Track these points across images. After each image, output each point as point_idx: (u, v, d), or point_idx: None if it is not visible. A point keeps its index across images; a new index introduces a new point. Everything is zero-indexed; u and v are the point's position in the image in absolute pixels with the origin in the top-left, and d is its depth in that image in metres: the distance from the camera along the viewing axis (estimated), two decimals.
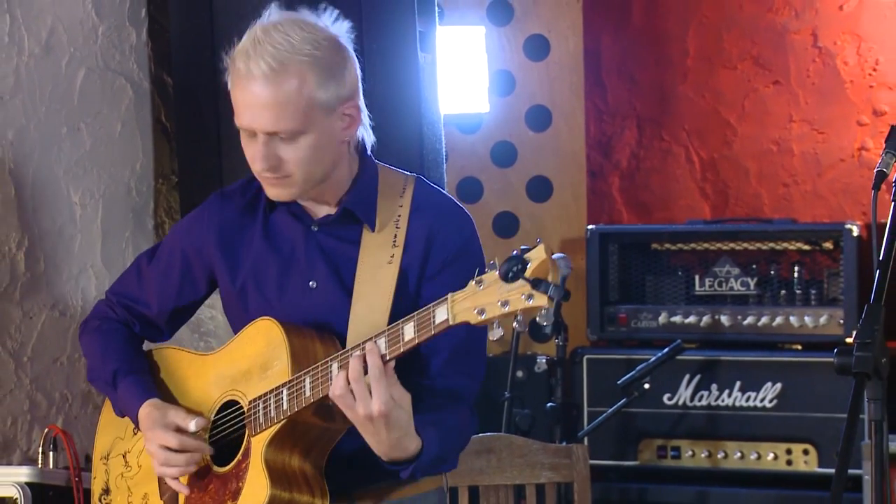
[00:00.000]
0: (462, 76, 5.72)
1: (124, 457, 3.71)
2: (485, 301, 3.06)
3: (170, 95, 5.48)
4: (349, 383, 3.20)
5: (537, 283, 2.99)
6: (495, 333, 3.08)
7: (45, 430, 4.47)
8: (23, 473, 4.27)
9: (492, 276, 3.05)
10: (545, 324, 3.14)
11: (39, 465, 4.36)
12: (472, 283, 3.08)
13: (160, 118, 5.53)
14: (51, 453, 4.39)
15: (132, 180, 5.48)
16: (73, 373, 5.19)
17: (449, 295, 3.11)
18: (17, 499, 4.22)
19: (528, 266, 3.00)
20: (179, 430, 3.47)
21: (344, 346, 3.38)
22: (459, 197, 5.88)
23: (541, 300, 2.99)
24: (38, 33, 5.17)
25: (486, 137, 5.99)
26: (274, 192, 3.43)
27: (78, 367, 5.17)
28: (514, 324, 3.06)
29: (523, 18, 5.91)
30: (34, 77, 5.16)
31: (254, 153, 3.37)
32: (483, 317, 3.07)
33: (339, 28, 3.41)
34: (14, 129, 5.10)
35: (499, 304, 3.04)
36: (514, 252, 3.02)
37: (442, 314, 3.12)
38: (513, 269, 3.00)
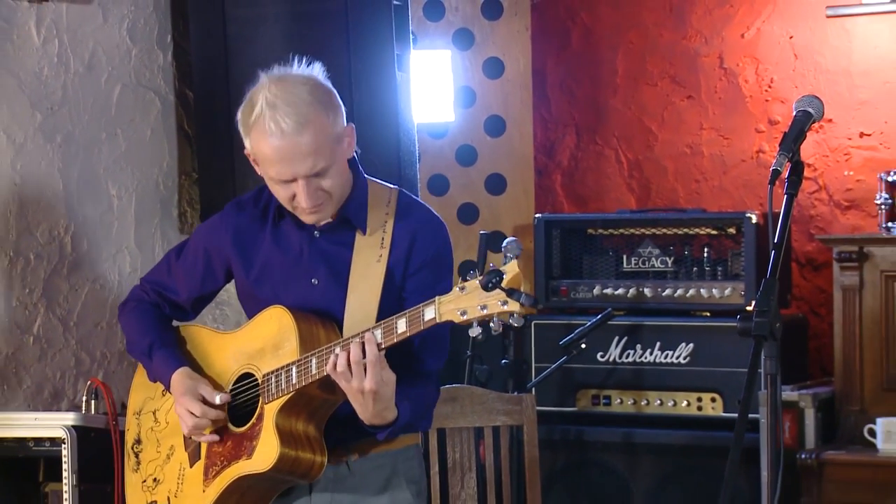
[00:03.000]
0: (431, 91, 5.70)
1: (154, 414, 3.70)
2: (466, 304, 3.14)
3: (191, 106, 5.46)
4: (349, 364, 3.24)
5: (511, 292, 3.07)
6: (474, 331, 3.16)
7: (88, 383, 4.45)
8: (69, 418, 4.25)
9: (473, 283, 3.12)
10: (517, 325, 3.15)
11: (83, 412, 4.34)
12: (457, 288, 3.15)
13: (183, 125, 5.51)
14: (92, 402, 4.37)
15: (160, 177, 5.46)
16: (110, 335, 5.17)
17: (436, 298, 3.17)
18: (64, 438, 4.20)
19: (504, 278, 3.07)
20: (205, 401, 3.47)
21: (341, 331, 3.41)
22: (429, 191, 5.87)
23: (513, 306, 3.08)
24: (81, 55, 5.14)
25: (451, 142, 5.97)
26: (314, 218, 3.45)
27: (115, 331, 5.15)
28: (491, 324, 3.14)
29: (482, 44, 5.90)
30: (78, 91, 5.13)
31: (292, 193, 3.37)
32: (465, 317, 3.14)
33: (316, 70, 3.43)
34: (62, 134, 5.08)
35: (478, 307, 3.12)
36: (493, 267, 3.09)
37: (430, 313, 3.18)
38: (492, 281, 3.08)
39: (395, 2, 5.05)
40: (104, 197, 5.25)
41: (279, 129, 3.31)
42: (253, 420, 3.43)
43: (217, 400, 3.47)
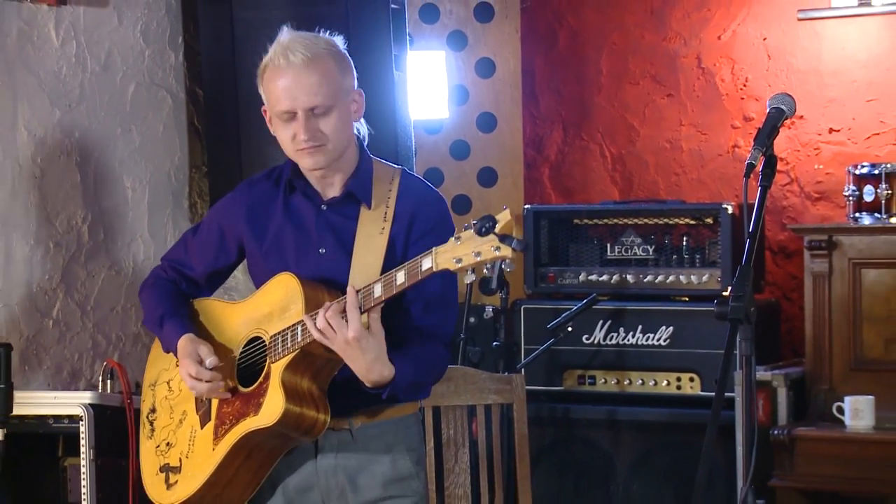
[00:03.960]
0: (427, 90, 5.70)
1: (168, 384, 3.70)
2: (461, 252, 3.11)
3: (201, 104, 5.46)
4: (328, 322, 3.23)
5: (503, 238, 3.04)
6: (468, 278, 3.14)
7: (104, 363, 4.45)
8: (87, 397, 4.26)
9: (468, 233, 3.10)
10: (508, 270, 3.15)
11: (99, 391, 4.34)
12: (452, 239, 3.13)
13: (193, 122, 5.51)
14: (108, 381, 4.37)
15: (171, 170, 5.46)
16: (125, 319, 5.17)
17: (433, 248, 3.15)
18: (82, 415, 4.20)
19: (497, 224, 3.05)
20: (201, 363, 3.47)
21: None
22: None
23: (506, 251, 3.05)
24: (98, 55, 5.14)
25: (446, 137, 5.97)
26: (311, 161, 3.45)
27: (129, 314, 5.15)
28: (485, 270, 3.12)
29: (475, 45, 5.89)
30: (95, 89, 5.13)
31: (294, 130, 3.40)
32: (460, 264, 3.11)
33: (337, 39, 3.50)
34: (79, 130, 5.07)
35: (472, 254, 3.09)
36: (486, 214, 3.07)
37: (427, 263, 3.16)
38: (485, 226, 3.05)
39: (392, 5, 5.04)
40: (119, 189, 5.24)
41: (287, 61, 3.38)
42: (260, 379, 3.43)
43: (207, 363, 3.45)
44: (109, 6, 5.18)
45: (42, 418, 4.25)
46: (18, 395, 3.94)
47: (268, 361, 3.43)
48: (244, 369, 3.51)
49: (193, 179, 5.52)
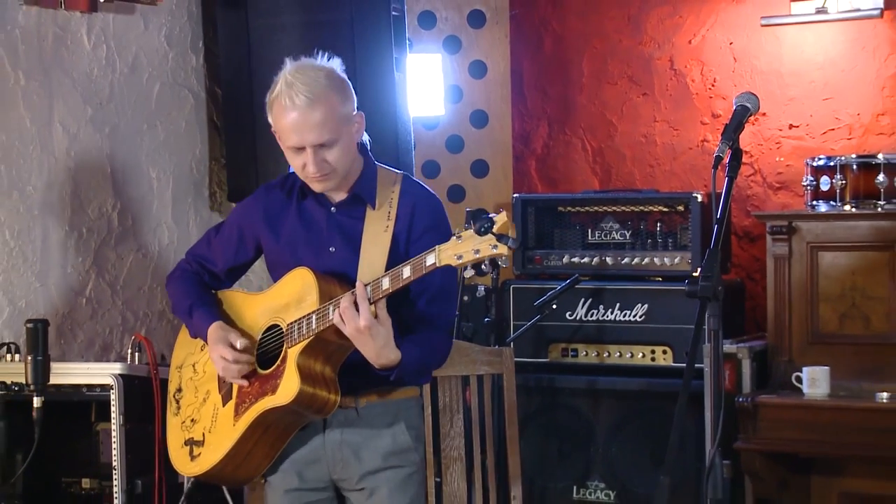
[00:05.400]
0: (425, 89, 5.69)
1: (193, 366, 3.72)
2: (462, 249, 3.14)
3: (219, 102, 5.46)
4: (341, 314, 3.29)
5: (500, 237, 3.09)
6: (469, 272, 3.18)
7: (133, 338, 4.45)
8: (116, 368, 4.26)
9: (468, 233, 3.13)
10: (504, 266, 3.18)
11: (128, 362, 4.34)
12: (454, 237, 3.16)
13: (213, 118, 5.51)
14: (136, 354, 4.37)
15: (193, 162, 5.46)
16: (151, 297, 5.17)
17: (436, 246, 3.18)
18: (112, 385, 4.20)
19: (495, 225, 3.10)
20: (233, 347, 3.50)
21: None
22: (423, 174, 5.87)
23: (502, 249, 3.10)
24: (126, 57, 5.13)
25: (442, 132, 5.96)
26: (321, 187, 3.49)
27: (155, 293, 5.15)
28: (483, 266, 3.16)
29: (468, 49, 5.88)
30: (123, 89, 5.12)
31: (303, 162, 3.42)
32: (460, 260, 3.15)
33: (335, 63, 3.48)
34: (109, 126, 5.07)
35: (472, 251, 3.13)
36: (485, 215, 3.11)
37: (431, 259, 3.19)
38: (484, 226, 3.10)
39: (393, 13, 5.04)
40: (145, 179, 5.24)
41: (293, 103, 3.37)
42: (278, 362, 3.45)
43: (237, 345, 3.49)
44: (136, 13, 5.17)
45: (76, 387, 4.25)
46: (55, 366, 3.94)
47: (285, 347, 3.44)
48: (263, 354, 3.53)
49: (213, 171, 5.52)
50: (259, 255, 3.69)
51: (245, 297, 3.68)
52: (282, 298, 3.51)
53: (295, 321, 3.42)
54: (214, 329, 3.56)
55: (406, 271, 3.25)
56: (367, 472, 3.53)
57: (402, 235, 3.47)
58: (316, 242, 3.53)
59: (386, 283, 3.28)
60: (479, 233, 3.10)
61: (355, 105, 3.49)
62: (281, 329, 3.47)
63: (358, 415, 3.52)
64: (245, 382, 3.50)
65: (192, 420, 3.64)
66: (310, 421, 3.49)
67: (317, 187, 3.49)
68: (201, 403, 3.64)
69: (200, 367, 3.69)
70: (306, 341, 3.38)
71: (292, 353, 3.40)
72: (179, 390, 3.73)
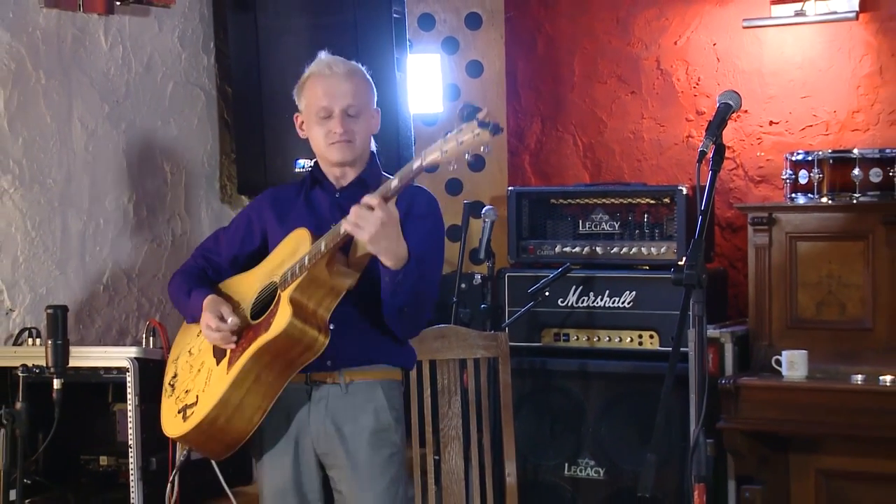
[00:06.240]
0: (424, 88, 5.68)
1: (189, 351, 3.72)
2: (447, 146, 3.10)
3: (230, 100, 5.45)
4: (356, 219, 3.23)
5: (483, 124, 3.04)
6: (454, 166, 3.13)
7: (147, 323, 4.45)
8: (132, 351, 4.25)
9: (451, 134, 3.09)
10: (487, 152, 3.12)
11: (143, 346, 4.34)
12: (439, 140, 3.13)
13: (223, 115, 5.50)
14: (151, 338, 4.37)
15: (204, 156, 5.46)
16: (165, 285, 5.14)
17: (422, 151, 3.17)
18: (128, 367, 4.20)
19: (479, 113, 3.06)
20: (221, 318, 3.50)
21: (348, 257, 3.46)
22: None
23: (485, 135, 3.04)
24: (141, 58, 5.13)
25: (440, 129, 5.94)
26: (339, 155, 3.55)
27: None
28: (466, 156, 3.10)
29: (465, 49, 5.87)
30: (139, 87, 5.12)
31: (329, 127, 3.51)
32: (446, 154, 3.11)
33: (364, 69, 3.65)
34: (125, 122, 5.07)
35: (456, 143, 3.07)
36: (469, 104, 3.12)
37: (417, 163, 3.18)
38: (468, 111, 3.08)
39: (394, 15, 5.03)
40: (160, 173, 5.24)
41: (331, 70, 3.54)
42: (271, 307, 3.44)
43: (227, 318, 3.49)
44: (151, 15, 5.16)
45: (94, 370, 4.25)
46: (74, 350, 3.94)
47: (278, 292, 3.43)
48: (259, 314, 3.51)
49: (223, 165, 5.52)
50: (265, 248, 3.67)
51: (244, 274, 3.68)
52: (277, 259, 3.53)
53: (288, 269, 3.42)
54: (208, 301, 3.56)
55: (394, 182, 3.23)
56: (349, 450, 3.51)
57: (399, 217, 3.46)
58: (316, 221, 3.54)
59: (395, 182, 3.23)
60: (464, 118, 3.07)
61: (375, 102, 3.61)
62: (275, 283, 3.46)
63: (346, 391, 3.52)
64: (233, 345, 3.47)
65: (186, 391, 3.61)
66: (300, 366, 3.44)
67: (336, 155, 3.52)
68: (196, 374, 3.61)
69: (196, 349, 3.67)
70: (299, 279, 3.37)
71: (285, 294, 3.40)
72: (175, 376, 3.72)
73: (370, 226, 3.22)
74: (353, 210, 3.25)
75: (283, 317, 3.34)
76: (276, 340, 3.34)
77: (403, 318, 3.42)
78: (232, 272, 3.73)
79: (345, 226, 3.26)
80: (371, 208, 3.22)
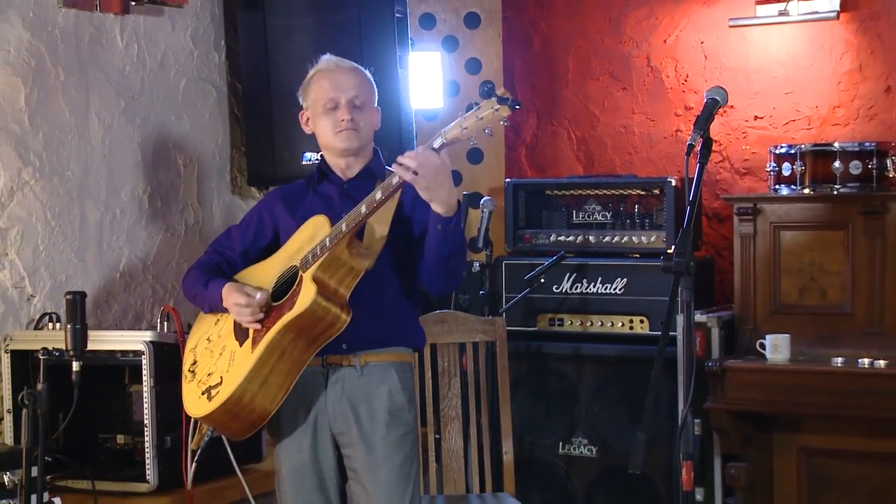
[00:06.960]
0: (425, 84, 5.68)
1: (208, 339, 3.69)
2: (467, 123, 3.16)
3: (240, 95, 5.45)
4: (415, 159, 3.22)
5: (502, 99, 3.10)
6: (473, 141, 3.20)
7: (162, 308, 4.45)
8: (147, 335, 4.26)
9: (470, 113, 3.15)
10: (505, 124, 3.18)
11: (158, 330, 4.34)
12: (459, 118, 3.19)
13: (234, 110, 5.50)
14: (165, 323, 4.37)
15: (216, 150, 5.45)
16: (179, 272, 5.17)
17: (441, 131, 3.22)
18: (144, 351, 4.20)
19: (496, 90, 3.12)
20: (248, 295, 3.48)
21: (362, 242, 3.47)
22: None
23: (504, 110, 3.11)
24: (155, 55, 5.12)
25: (440, 124, 5.89)
26: (345, 142, 3.56)
27: (182, 269, 5.15)
28: (486, 130, 3.16)
29: (465, 47, 5.87)
30: (153, 83, 5.12)
31: (337, 117, 3.53)
32: (466, 132, 3.16)
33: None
34: (140, 117, 5.06)
35: (476, 119, 3.13)
36: (488, 81, 3.17)
37: (438, 141, 3.22)
38: (487, 88, 3.13)
39: (397, 15, 5.03)
40: (173, 165, 5.24)
41: (337, 66, 3.59)
42: (294, 287, 3.43)
43: (258, 296, 3.47)
44: (165, 15, 5.16)
45: (111, 353, 4.26)
46: (92, 334, 3.94)
47: (300, 273, 3.43)
48: (282, 294, 3.51)
49: (234, 158, 5.52)
50: (277, 242, 3.67)
51: (259, 264, 3.67)
52: (295, 244, 3.52)
53: (308, 251, 3.42)
54: (228, 287, 3.55)
55: (437, 140, 3.22)
56: (364, 430, 3.52)
57: (407, 203, 3.51)
58: (328, 211, 3.54)
59: (437, 142, 3.23)
60: (483, 95, 3.11)
61: (376, 101, 3.64)
62: (296, 267, 3.46)
63: (361, 373, 3.52)
64: (259, 326, 3.46)
65: (209, 374, 3.59)
66: (322, 345, 3.43)
67: (342, 143, 3.53)
68: (217, 358, 3.60)
69: (215, 336, 3.66)
70: (321, 259, 3.37)
71: (307, 274, 3.39)
72: (195, 363, 3.71)
73: (429, 172, 3.22)
74: (409, 155, 3.24)
75: (307, 294, 3.34)
76: (302, 317, 3.34)
77: (448, 268, 3.41)
78: (245, 266, 3.73)
79: (400, 173, 3.25)
80: (428, 155, 3.22)
